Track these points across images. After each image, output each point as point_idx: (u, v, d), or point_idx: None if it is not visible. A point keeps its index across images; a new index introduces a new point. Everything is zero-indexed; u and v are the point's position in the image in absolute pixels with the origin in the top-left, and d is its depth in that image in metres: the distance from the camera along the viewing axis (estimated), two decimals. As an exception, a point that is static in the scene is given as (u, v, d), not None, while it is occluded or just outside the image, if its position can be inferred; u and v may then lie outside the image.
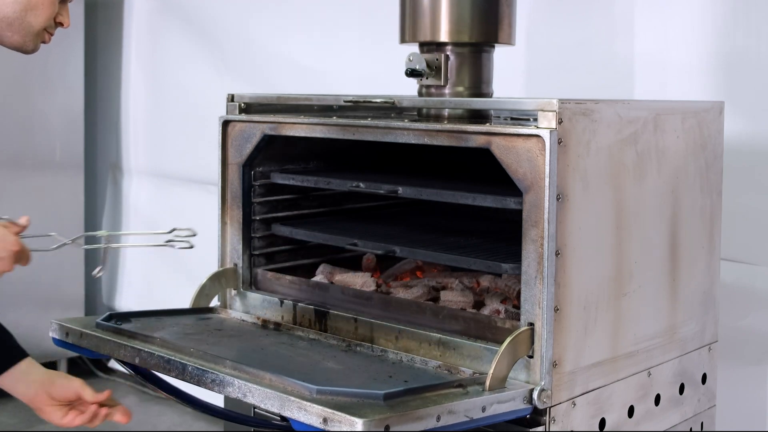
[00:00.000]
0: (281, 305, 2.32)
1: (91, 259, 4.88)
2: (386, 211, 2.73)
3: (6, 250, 1.89)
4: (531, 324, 1.87)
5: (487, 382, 1.81)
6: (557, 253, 1.85)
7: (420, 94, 2.34)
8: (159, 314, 2.29)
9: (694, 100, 2.61)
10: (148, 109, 4.57)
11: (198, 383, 1.86)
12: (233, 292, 2.43)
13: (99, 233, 2.07)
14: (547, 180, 1.83)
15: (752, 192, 2.67)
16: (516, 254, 1.93)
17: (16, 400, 2.12)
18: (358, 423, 1.57)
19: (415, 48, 2.33)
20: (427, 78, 2.28)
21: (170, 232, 2.15)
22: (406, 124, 2.11)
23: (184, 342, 2.05)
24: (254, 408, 2.23)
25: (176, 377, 1.92)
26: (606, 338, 1.99)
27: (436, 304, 2.16)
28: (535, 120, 1.87)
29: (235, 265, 2.42)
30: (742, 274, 2.69)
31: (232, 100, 2.44)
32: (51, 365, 4.58)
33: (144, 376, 2.19)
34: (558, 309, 1.86)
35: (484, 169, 2.16)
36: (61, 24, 2.09)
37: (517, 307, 1.95)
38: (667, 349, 2.18)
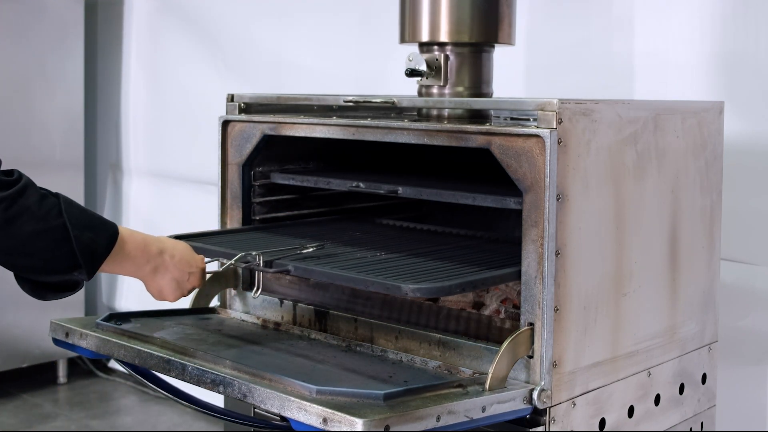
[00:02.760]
0: (281, 305, 2.32)
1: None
2: (386, 211, 2.73)
3: (196, 266, 2.01)
4: (531, 324, 1.87)
5: (487, 382, 1.81)
6: (557, 253, 1.85)
7: (420, 94, 2.34)
8: (159, 314, 2.29)
9: (694, 100, 2.61)
10: (148, 109, 4.57)
11: (198, 383, 1.86)
12: (233, 292, 2.42)
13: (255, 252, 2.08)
14: (547, 180, 1.83)
15: (752, 192, 2.67)
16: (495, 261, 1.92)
17: (16, 400, 2.11)
18: (358, 423, 1.57)
19: (415, 48, 2.33)
20: (427, 78, 2.28)
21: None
22: (406, 124, 2.11)
23: (184, 342, 2.05)
24: (254, 408, 2.23)
25: (176, 377, 1.92)
26: (606, 338, 1.99)
27: (436, 304, 2.16)
28: (535, 120, 1.87)
29: (235, 265, 2.42)
30: (742, 274, 2.69)
31: (232, 100, 2.44)
32: (51, 365, 4.61)
33: (144, 376, 2.19)
34: (558, 309, 1.86)
35: (484, 169, 2.16)
36: None
37: (517, 307, 1.95)
38: (667, 349, 2.18)
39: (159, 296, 2.00)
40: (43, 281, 1.83)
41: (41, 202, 1.73)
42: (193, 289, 2.04)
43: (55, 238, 1.72)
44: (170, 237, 2.17)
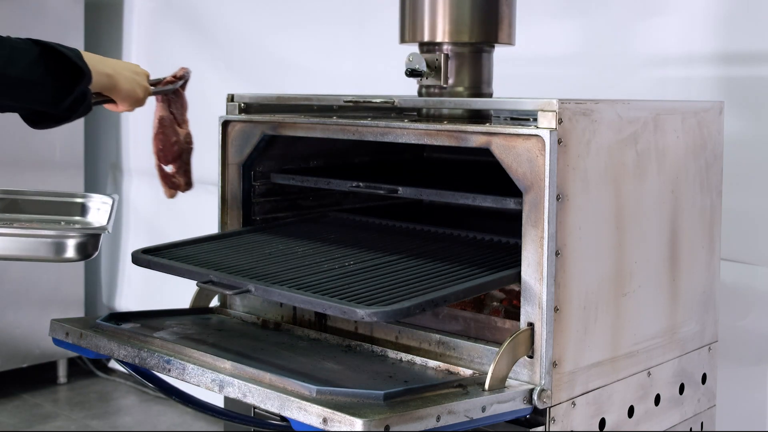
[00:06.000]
0: (281, 305, 2.31)
1: (91, 260, 4.87)
2: (386, 211, 2.73)
3: (143, 84, 2.20)
4: (531, 324, 1.87)
5: (487, 382, 1.81)
6: (557, 253, 1.85)
7: (420, 94, 2.34)
8: (159, 314, 2.29)
9: (694, 100, 2.62)
10: (148, 109, 4.56)
11: (198, 383, 1.86)
12: (233, 291, 2.42)
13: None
14: (547, 180, 1.83)
15: (752, 192, 2.67)
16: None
17: (16, 400, 2.11)
18: (358, 423, 1.57)
19: (415, 48, 2.33)
20: (426, 78, 2.28)
21: None
22: (406, 124, 2.11)
23: (184, 342, 2.05)
24: (254, 408, 2.23)
25: (176, 377, 1.92)
26: (606, 338, 1.99)
27: (436, 304, 2.16)
28: (535, 120, 1.87)
29: (235, 265, 2.42)
30: (742, 274, 2.69)
31: (232, 100, 2.44)
32: (51, 365, 4.61)
33: (144, 376, 2.19)
34: (558, 309, 1.86)
35: (484, 169, 2.16)
36: None
37: (517, 307, 1.95)
38: (667, 349, 2.18)
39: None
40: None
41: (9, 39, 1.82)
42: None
43: (53, 58, 1.83)
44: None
